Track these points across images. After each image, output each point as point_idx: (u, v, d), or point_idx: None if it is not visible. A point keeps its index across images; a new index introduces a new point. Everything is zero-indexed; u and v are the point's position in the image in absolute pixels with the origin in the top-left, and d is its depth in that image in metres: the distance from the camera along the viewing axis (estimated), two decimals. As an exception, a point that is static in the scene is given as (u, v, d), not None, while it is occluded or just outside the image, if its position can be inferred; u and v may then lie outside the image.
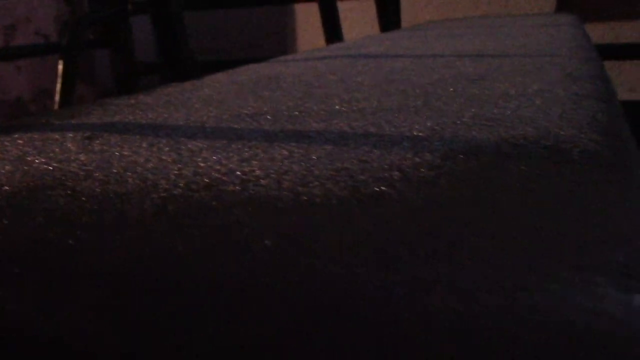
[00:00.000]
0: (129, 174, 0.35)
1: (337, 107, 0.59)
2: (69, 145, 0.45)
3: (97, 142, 0.46)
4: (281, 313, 0.21)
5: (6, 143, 0.47)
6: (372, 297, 0.21)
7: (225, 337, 0.21)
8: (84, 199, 0.31)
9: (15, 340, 0.22)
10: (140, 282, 0.23)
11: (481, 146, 0.41)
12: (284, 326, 0.21)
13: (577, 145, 0.41)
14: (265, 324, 0.21)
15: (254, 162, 0.37)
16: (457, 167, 0.36)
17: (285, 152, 0.40)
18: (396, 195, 0.30)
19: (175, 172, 0.35)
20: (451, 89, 0.67)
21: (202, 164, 0.37)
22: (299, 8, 4.69)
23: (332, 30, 1.73)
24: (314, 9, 2.05)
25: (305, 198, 0.29)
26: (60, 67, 2.09)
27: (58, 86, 2.07)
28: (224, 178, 0.33)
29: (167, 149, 0.42)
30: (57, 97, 2.05)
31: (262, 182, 0.32)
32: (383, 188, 0.31)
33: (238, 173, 0.34)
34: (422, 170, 0.35)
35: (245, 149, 0.41)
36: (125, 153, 0.41)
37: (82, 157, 0.41)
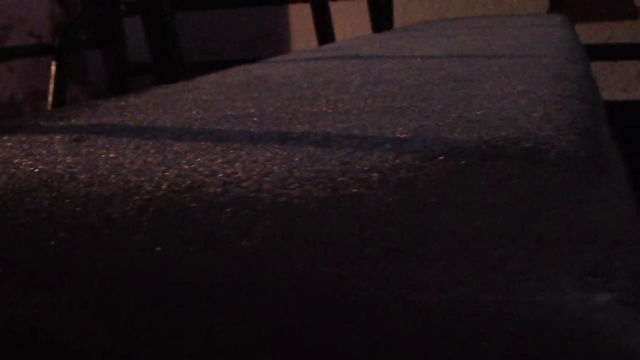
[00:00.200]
0: (114, 176, 0.36)
1: (323, 108, 0.59)
2: (57, 147, 0.46)
3: (84, 144, 0.46)
4: (257, 310, 0.22)
5: (-6, 145, 0.48)
6: (341, 294, 0.21)
7: (204, 334, 0.22)
8: (67, 200, 0.31)
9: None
10: (119, 281, 0.24)
11: (461, 147, 0.42)
12: (260, 323, 0.22)
13: (554, 146, 0.42)
14: (242, 321, 0.22)
15: (237, 164, 0.37)
16: (435, 168, 0.36)
17: (268, 154, 0.40)
18: (373, 196, 0.31)
19: (159, 174, 0.36)
20: (438, 90, 0.68)
21: (186, 166, 0.38)
22: (293, 9, 4.70)
23: (324, 31, 1.74)
24: (307, 9, 2.06)
25: (283, 199, 0.30)
26: (52, 67, 2.10)
27: (51, 87, 2.07)
28: (206, 180, 0.34)
29: (152, 151, 0.43)
30: (49, 98, 2.05)
31: (244, 184, 0.33)
32: (361, 190, 0.32)
33: (220, 175, 0.35)
34: (401, 172, 0.36)
35: (230, 151, 0.42)
36: (112, 155, 0.42)
37: (68, 159, 0.41)
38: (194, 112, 0.60)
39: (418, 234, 0.25)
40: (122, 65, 2.48)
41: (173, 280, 0.24)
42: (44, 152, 0.44)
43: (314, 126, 0.50)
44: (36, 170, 0.38)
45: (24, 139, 0.50)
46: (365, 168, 0.36)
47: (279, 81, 0.81)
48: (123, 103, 0.68)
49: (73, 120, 0.58)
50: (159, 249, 0.25)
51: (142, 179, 0.35)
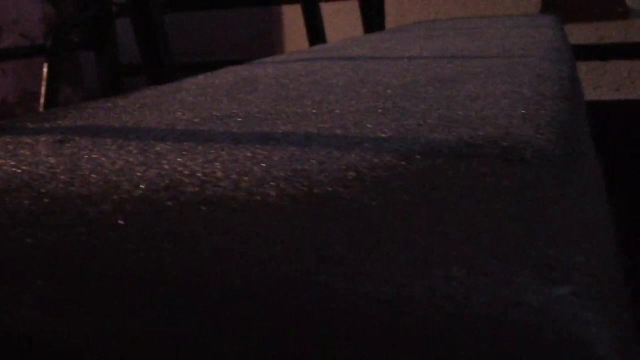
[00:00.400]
0: (94, 175, 0.36)
1: (307, 109, 0.60)
2: (40, 148, 0.46)
3: (68, 145, 0.47)
4: (226, 307, 0.23)
5: (-21, 146, 0.48)
6: (308, 290, 0.22)
7: (176, 330, 0.23)
8: (46, 200, 0.32)
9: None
10: (94, 278, 0.24)
11: (439, 147, 0.42)
12: (229, 320, 0.22)
13: (531, 145, 0.43)
14: (211, 318, 0.23)
15: (217, 164, 0.38)
16: (411, 167, 0.37)
17: (248, 154, 0.41)
18: (347, 195, 0.31)
19: (139, 174, 0.36)
20: (422, 91, 0.68)
21: (166, 166, 0.38)
22: (286, 10, 4.70)
23: (315, 32, 1.74)
24: (300, 10, 2.07)
25: (258, 198, 0.30)
26: (44, 69, 2.10)
27: (43, 88, 2.07)
28: (185, 179, 0.34)
29: (135, 151, 0.43)
30: (41, 100, 2.05)
31: (221, 183, 0.34)
32: (336, 188, 0.32)
33: (199, 174, 0.35)
34: (377, 170, 0.36)
35: (211, 151, 0.42)
36: (94, 156, 0.42)
37: (51, 160, 0.42)
38: (179, 113, 0.60)
39: (387, 231, 0.26)
40: (115, 67, 2.49)
41: (145, 277, 0.24)
42: (27, 153, 0.45)
43: (297, 126, 0.51)
44: (19, 170, 0.39)
45: (9, 140, 0.50)
46: (343, 167, 0.37)
47: (266, 82, 0.82)
48: (110, 104, 0.68)
49: (59, 122, 0.59)
50: (132, 246, 0.26)
51: (122, 178, 0.35)
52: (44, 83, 2.08)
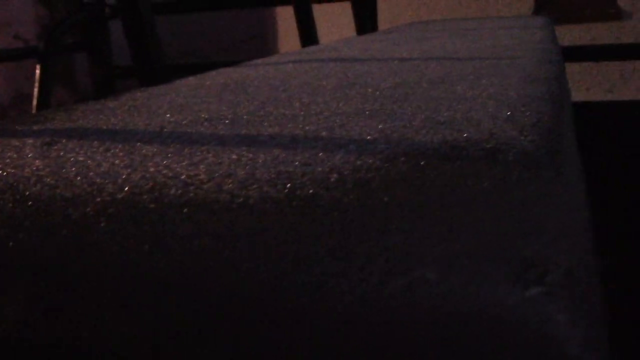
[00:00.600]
0: (79, 178, 0.37)
1: (295, 111, 0.60)
2: (27, 151, 0.46)
3: (55, 147, 0.47)
4: (206, 310, 0.23)
5: (-34, 149, 0.48)
6: (282, 292, 0.22)
7: (155, 331, 0.23)
8: (30, 203, 0.32)
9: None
10: (75, 280, 0.25)
11: (423, 149, 0.43)
12: (206, 321, 0.23)
13: (514, 147, 0.43)
14: (193, 319, 0.23)
15: (201, 166, 0.38)
16: (394, 169, 0.37)
17: (233, 156, 0.41)
18: (329, 197, 0.32)
19: (124, 176, 0.37)
20: (410, 93, 0.69)
21: (152, 169, 0.38)
22: (280, 11, 4.71)
23: (307, 33, 1.75)
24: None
25: (240, 200, 0.31)
26: (37, 71, 2.09)
27: (35, 90, 2.07)
28: (169, 182, 0.35)
29: (121, 153, 0.43)
30: (34, 102, 2.05)
31: (204, 185, 0.34)
32: (318, 190, 0.33)
33: (183, 177, 0.36)
34: (360, 172, 0.37)
35: (197, 153, 0.42)
36: (80, 158, 0.42)
37: (37, 162, 0.42)
38: (168, 115, 0.60)
39: (365, 232, 0.26)
40: (108, 69, 2.48)
41: (126, 279, 0.24)
42: (14, 155, 0.45)
43: (284, 128, 0.51)
44: (4, 173, 0.39)
45: (-4, 142, 0.51)
46: (326, 169, 0.37)
47: (257, 84, 0.82)
48: (99, 106, 0.68)
49: (48, 124, 0.59)
50: (114, 249, 0.26)
51: (106, 181, 0.35)
52: (36, 85, 2.08)
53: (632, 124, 2.04)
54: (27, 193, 0.34)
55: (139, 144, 0.47)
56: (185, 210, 0.29)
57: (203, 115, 0.59)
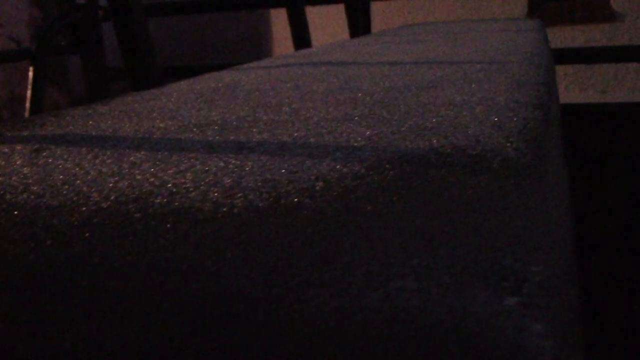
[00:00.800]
0: (66, 187, 0.37)
1: (285, 116, 0.60)
2: (16, 158, 0.46)
3: (44, 154, 0.47)
4: (188, 318, 0.23)
5: (-45, 156, 0.48)
6: (264, 301, 0.23)
7: (142, 343, 0.23)
8: (16, 212, 0.32)
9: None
10: (57, 292, 0.25)
11: (410, 156, 0.43)
12: (192, 330, 0.23)
13: (500, 153, 0.43)
14: (176, 328, 0.23)
15: (188, 174, 0.39)
16: (379, 177, 0.38)
17: (221, 164, 0.41)
18: (313, 205, 0.32)
19: (111, 184, 0.37)
20: (400, 98, 0.69)
21: (138, 177, 0.39)
22: (275, 13, 4.71)
23: (300, 36, 1.75)
24: (285, 14, 2.08)
25: (225, 209, 0.31)
26: (30, 73, 2.09)
27: (28, 92, 2.07)
28: (155, 190, 0.35)
29: (109, 161, 0.44)
30: (27, 104, 2.05)
31: (190, 194, 0.34)
32: (303, 199, 0.33)
33: (169, 185, 0.36)
34: (346, 180, 0.37)
35: (184, 161, 0.43)
36: (68, 165, 0.43)
37: (25, 170, 0.42)
38: (157, 121, 0.61)
39: (346, 242, 0.27)
40: (101, 71, 2.48)
41: (109, 290, 0.25)
42: (3, 162, 0.45)
43: (272, 135, 0.52)
44: (-8, 181, 0.39)
45: (-15, 149, 0.51)
46: (312, 177, 0.38)
47: (247, 89, 0.82)
48: (90, 111, 0.69)
49: (38, 130, 0.59)
50: (97, 259, 0.26)
51: (93, 189, 0.36)
52: (29, 87, 2.08)
53: (624, 126, 2.05)
54: (14, 202, 0.34)
55: (127, 150, 0.47)
56: (170, 219, 0.30)
57: (193, 121, 0.59)
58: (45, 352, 0.24)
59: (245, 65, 1.15)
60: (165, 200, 0.33)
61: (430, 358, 0.21)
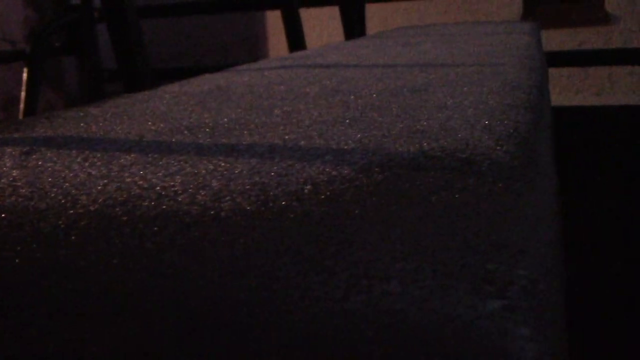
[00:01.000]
0: (55, 189, 0.37)
1: (276, 119, 0.60)
2: (6, 160, 0.46)
3: (34, 156, 0.47)
4: (174, 320, 0.23)
5: (-55, 158, 0.48)
6: (247, 304, 0.23)
7: (128, 346, 0.23)
8: (4, 215, 0.32)
9: None
10: (45, 295, 0.25)
11: (399, 159, 0.43)
12: (178, 333, 0.23)
13: (489, 157, 0.43)
14: (162, 331, 0.23)
15: (177, 177, 0.39)
16: (368, 180, 0.38)
17: (210, 167, 0.41)
18: (300, 209, 0.32)
19: (100, 187, 0.37)
20: (392, 101, 0.69)
21: (128, 179, 0.39)
22: (270, 14, 4.70)
23: (295, 38, 1.75)
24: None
25: (212, 213, 0.31)
26: (25, 74, 2.09)
27: (23, 94, 2.06)
28: (143, 193, 0.35)
29: (99, 163, 0.44)
30: (21, 105, 2.04)
31: (178, 197, 0.34)
32: (290, 202, 0.33)
33: (158, 188, 0.36)
34: (334, 184, 0.37)
35: (174, 163, 0.43)
36: (58, 168, 0.43)
37: (15, 172, 0.42)
38: (149, 123, 0.61)
39: (332, 246, 0.27)
40: (96, 72, 2.48)
41: (95, 293, 0.25)
42: (-8, 165, 0.45)
43: (263, 137, 0.52)
44: (-19, 184, 0.39)
45: (-25, 151, 0.51)
46: (301, 180, 0.38)
47: (240, 91, 0.82)
48: (82, 114, 0.69)
49: (29, 132, 0.59)
50: (84, 263, 0.26)
51: (81, 192, 0.36)
52: (23, 88, 2.07)
53: (619, 128, 2.05)
54: (2, 204, 0.34)
55: (117, 153, 0.47)
56: (157, 223, 0.30)
57: (184, 124, 0.59)
58: (31, 354, 0.24)
59: (238, 67, 1.15)
60: (153, 203, 0.33)
61: (413, 362, 0.21)
